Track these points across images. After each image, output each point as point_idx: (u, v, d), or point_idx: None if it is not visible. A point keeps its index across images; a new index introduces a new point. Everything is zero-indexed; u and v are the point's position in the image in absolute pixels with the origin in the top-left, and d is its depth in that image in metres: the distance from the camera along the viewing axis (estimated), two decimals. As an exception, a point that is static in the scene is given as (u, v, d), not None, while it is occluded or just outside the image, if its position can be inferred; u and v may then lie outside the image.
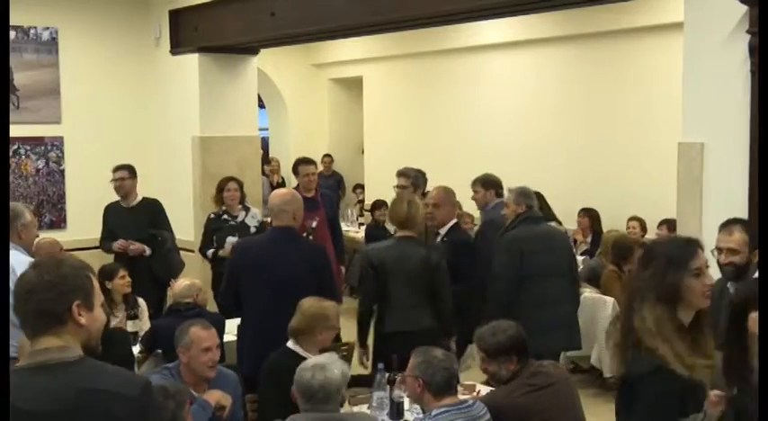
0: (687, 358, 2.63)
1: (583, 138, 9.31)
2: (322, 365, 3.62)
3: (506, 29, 9.68)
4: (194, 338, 4.10)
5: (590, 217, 8.60)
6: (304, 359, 4.26)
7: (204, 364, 4.10)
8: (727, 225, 3.93)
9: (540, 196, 8.85)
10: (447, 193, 5.98)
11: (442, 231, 5.89)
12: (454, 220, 6.00)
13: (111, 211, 7.38)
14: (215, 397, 4.07)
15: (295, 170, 7.38)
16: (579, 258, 8.03)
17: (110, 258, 7.08)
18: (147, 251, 7.14)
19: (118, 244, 7.10)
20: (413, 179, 6.58)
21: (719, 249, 3.97)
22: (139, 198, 7.36)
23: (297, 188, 6.89)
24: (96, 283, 2.33)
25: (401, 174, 6.73)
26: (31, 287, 2.23)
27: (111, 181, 7.31)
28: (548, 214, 8.68)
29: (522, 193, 5.89)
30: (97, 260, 7.18)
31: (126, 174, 7.27)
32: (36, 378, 2.16)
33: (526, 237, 5.72)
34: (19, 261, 4.85)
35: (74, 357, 2.20)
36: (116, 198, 7.45)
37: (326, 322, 4.43)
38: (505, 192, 6.22)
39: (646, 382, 2.65)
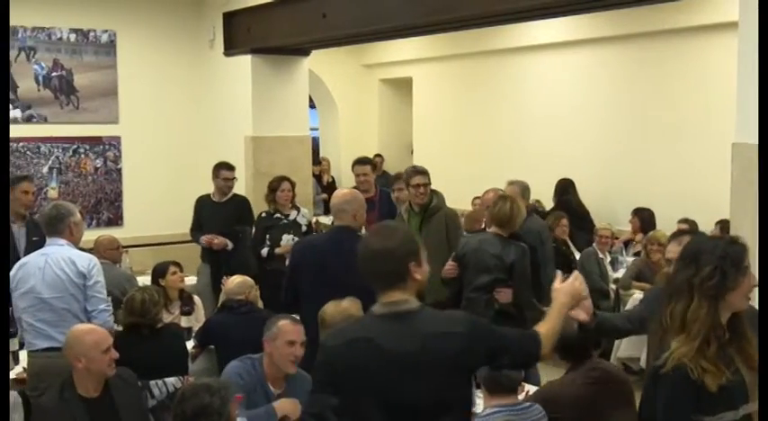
0: (710, 361, 2.64)
1: (634, 138, 9.25)
2: None
3: (557, 29, 9.65)
4: (281, 330, 4.15)
5: (641, 218, 8.52)
6: None
7: (286, 357, 4.13)
8: (677, 236, 3.95)
9: (571, 184, 8.84)
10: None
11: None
12: None
13: (201, 204, 7.64)
14: (284, 408, 4.07)
15: (353, 169, 7.48)
16: (629, 259, 7.99)
17: (164, 255, 7.21)
18: (230, 245, 7.35)
19: (204, 238, 7.35)
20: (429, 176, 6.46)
21: (669, 260, 3.92)
22: (230, 194, 7.58)
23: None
24: (421, 242, 2.88)
25: (420, 172, 6.44)
26: (376, 254, 2.80)
27: (221, 179, 7.50)
28: (579, 204, 8.70)
29: (527, 188, 6.31)
30: (151, 257, 7.40)
31: (235, 174, 7.50)
32: (392, 324, 2.75)
33: (542, 229, 6.14)
34: (78, 254, 5.00)
35: (416, 307, 2.79)
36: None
37: None
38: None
39: (664, 381, 2.67)
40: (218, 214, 7.47)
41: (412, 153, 12.80)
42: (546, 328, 2.94)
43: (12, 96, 8.60)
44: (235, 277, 5.67)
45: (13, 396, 4.03)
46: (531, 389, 4.63)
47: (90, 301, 4.92)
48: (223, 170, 7.55)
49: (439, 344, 2.71)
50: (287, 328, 4.17)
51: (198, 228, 7.59)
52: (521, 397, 4.22)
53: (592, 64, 9.84)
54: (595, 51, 9.72)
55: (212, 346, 5.45)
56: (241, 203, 7.65)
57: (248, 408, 4.03)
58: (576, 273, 3.18)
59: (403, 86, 13.06)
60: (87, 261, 4.98)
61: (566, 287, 3.09)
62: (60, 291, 4.86)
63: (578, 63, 9.99)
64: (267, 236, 7.34)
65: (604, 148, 9.49)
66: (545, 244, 6.08)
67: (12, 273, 4.94)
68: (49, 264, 4.89)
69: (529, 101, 10.61)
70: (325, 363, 2.85)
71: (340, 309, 4.44)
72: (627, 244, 8.51)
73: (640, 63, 9.20)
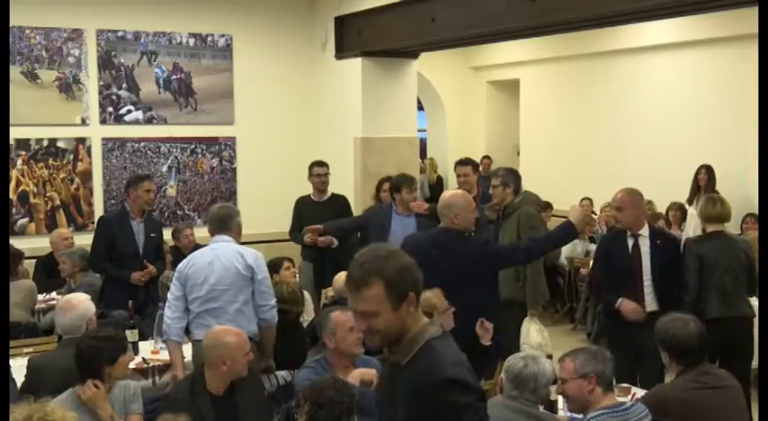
0: None
1: (747, 140, 9.00)
2: (534, 357, 3.74)
3: (666, 30, 9.49)
4: (337, 322, 4.28)
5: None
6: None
7: (352, 343, 4.27)
8: None
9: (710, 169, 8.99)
10: (631, 196, 5.66)
11: (644, 233, 5.63)
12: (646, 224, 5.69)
13: (302, 204, 7.75)
14: (357, 376, 4.20)
15: (455, 170, 7.55)
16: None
17: (277, 252, 7.44)
18: (335, 243, 7.44)
19: (308, 236, 7.39)
20: (502, 178, 6.54)
21: None
22: (329, 193, 7.70)
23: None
24: None
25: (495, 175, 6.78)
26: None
27: (314, 176, 7.63)
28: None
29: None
30: (265, 254, 7.58)
31: (327, 170, 7.66)
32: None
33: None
34: (245, 248, 5.15)
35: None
36: (292, 193, 7.84)
37: (435, 310, 4.54)
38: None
39: None
40: (320, 213, 7.53)
41: (519, 154, 12.78)
42: None
43: (134, 98, 9.03)
44: (342, 274, 5.74)
45: (134, 386, 4.15)
46: (639, 392, 4.62)
47: (261, 296, 5.04)
48: (315, 167, 7.65)
49: None
50: (341, 318, 4.28)
51: (298, 228, 7.62)
52: (627, 398, 4.23)
53: (702, 65, 9.65)
54: (705, 53, 9.52)
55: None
56: (341, 202, 7.74)
57: None
58: None
59: (510, 88, 13.05)
60: (254, 255, 5.11)
61: None
62: (228, 283, 5.00)
63: (688, 64, 9.80)
64: None
65: (715, 151, 9.28)
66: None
67: (182, 268, 5.10)
68: (217, 257, 5.04)
69: (637, 102, 10.46)
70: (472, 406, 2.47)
71: (422, 298, 4.57)
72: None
73: (753, 64, 8.94)
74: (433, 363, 2.45)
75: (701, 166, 9.16)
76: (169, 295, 5.13)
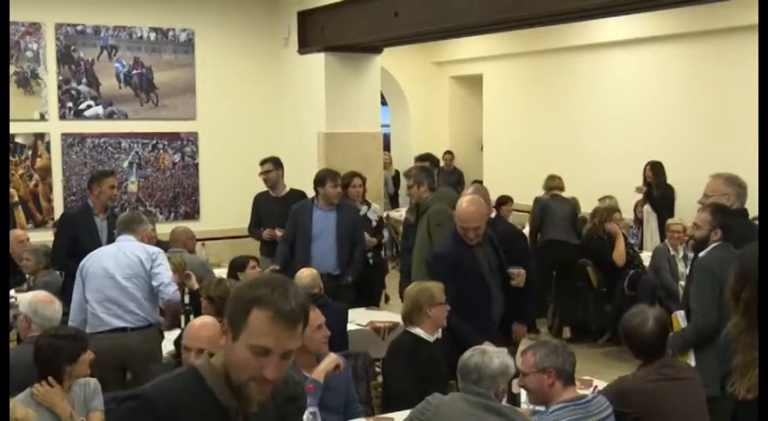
0: None
1: (703, 135, 9.14)
2: (483, 350, 3.76)
3: (627, 26, 9.59)
4: None
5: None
6: (423, 339, 4.55)
7: (319, 341, 4.26)
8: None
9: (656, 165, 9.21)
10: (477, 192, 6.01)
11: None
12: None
13: (260, 201, 7.71)
14: (322, 370, 4.21)
15: None
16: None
17: (240, 248, 7.41)
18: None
19: (266, 232, 7.40)
20: (414, 178, 6.86)
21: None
22: (287, 189, 7.65)
23: None
24: None
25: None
26: None
27: (260, 174, 7.62)
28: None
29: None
30: (227, 250, 7.60)
31: (270, 167, 7.58)
32: None
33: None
34: (147, 245, 5.41)
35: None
36: (255, 189, 7.81)
37: (432, 298, 4.60)
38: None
39: None
40: (278, 209, 7.46)
41: (482, 149, 12.84)
42: None
43: (94, 93, 8.91)
44: (303, 271, 5.69)
45: (93, 382, 4.08)
46: (600, 384, 4.66)
47: (155, 278, 5.22)
48: (260, 166, 7.65)
49: None
50: (309, 317, 4.26)
51: (257, 224, 7.61)
52: (589, 391, 4.27)
53: (662, 61, 9.76)
54: (665, 48, 9.64)
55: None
56: (300, 197, 7.60)
57: None
58: None
59: (473, 83, 13.10)
60: (155, 249, 5.38)
61: None
62: (129, 272, 5.20)
63: (648, 60, 9.91)
64: None
65: (673, 145, 9.40)
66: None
67: (83, 263, 5.32)
68: (121, 250, 5.27)
69: (599, 98, 10.56)
70: None
71: (419, 286, 4.71)
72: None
73: (711, 60, 9.08)
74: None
75: (647, 163, 9.23)
76: (75, 294, 5.26)
